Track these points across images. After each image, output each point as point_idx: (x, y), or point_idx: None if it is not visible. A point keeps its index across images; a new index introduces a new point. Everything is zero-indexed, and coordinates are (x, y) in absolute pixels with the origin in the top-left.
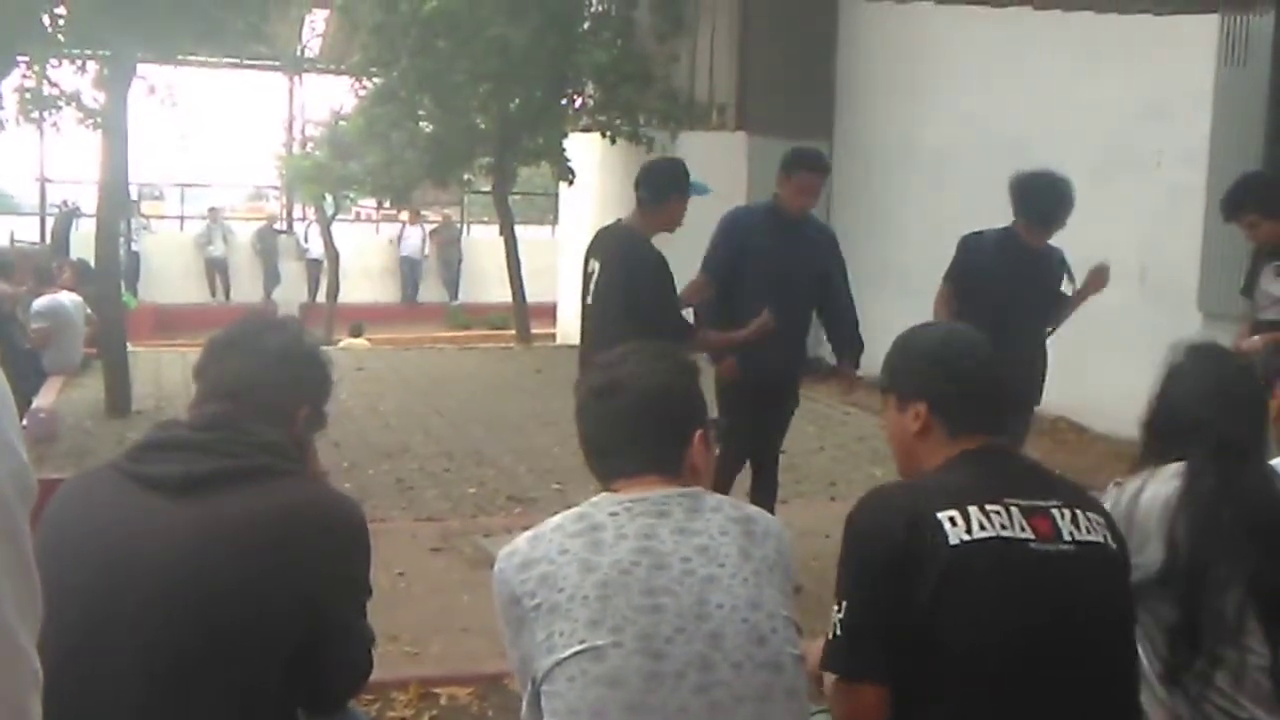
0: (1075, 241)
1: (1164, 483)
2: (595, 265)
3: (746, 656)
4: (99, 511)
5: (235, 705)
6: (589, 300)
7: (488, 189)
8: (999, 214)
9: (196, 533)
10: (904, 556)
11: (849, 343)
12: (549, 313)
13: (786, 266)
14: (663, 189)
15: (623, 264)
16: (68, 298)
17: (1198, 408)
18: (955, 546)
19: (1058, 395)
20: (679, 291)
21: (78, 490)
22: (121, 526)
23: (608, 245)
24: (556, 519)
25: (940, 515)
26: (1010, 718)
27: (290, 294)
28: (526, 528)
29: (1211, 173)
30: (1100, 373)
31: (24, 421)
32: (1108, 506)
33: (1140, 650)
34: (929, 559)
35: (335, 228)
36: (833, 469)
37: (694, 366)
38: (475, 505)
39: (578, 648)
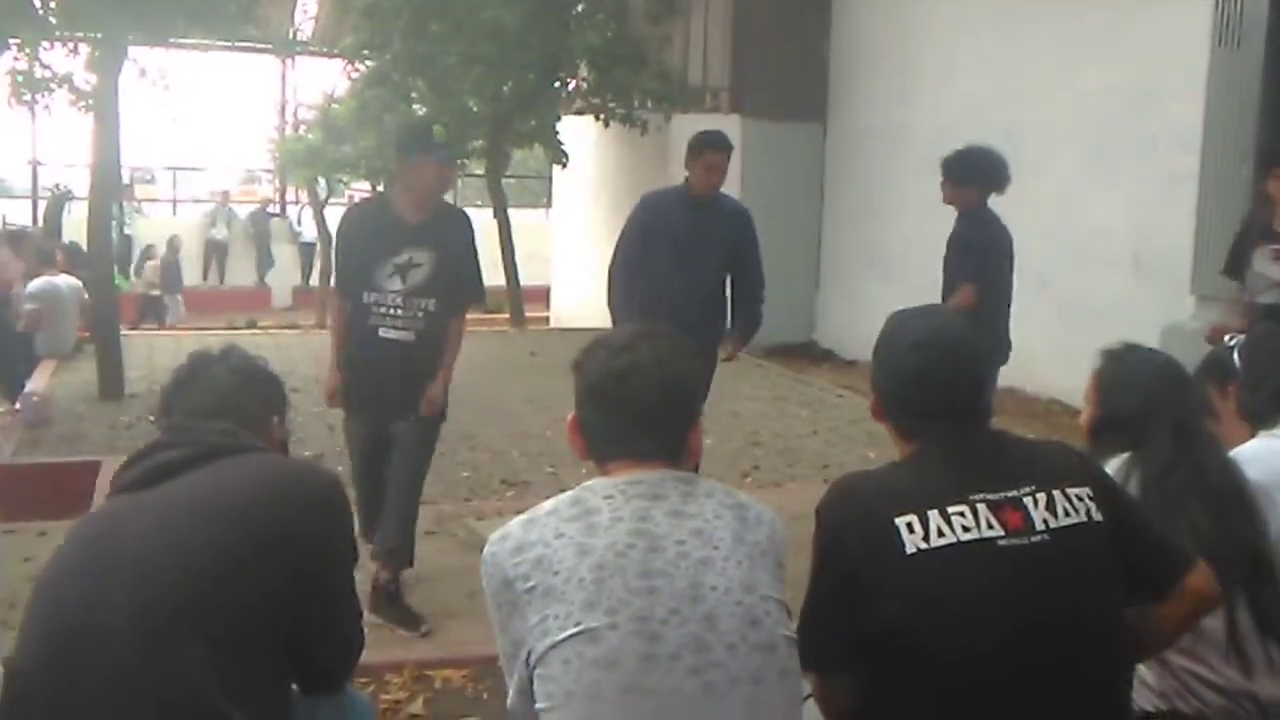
0: (1069, 224)
1: (1115, 470)
2: None
3: (741, 638)
4: (94, 522)
5: (225, 671)
6: None
7: (481, 172)
8: (991, 197)
9: (172, 512)
10: (857, 566)
11: (745, 313)
12: (542, 296)
13: (692, 241)
14: (401, 152)
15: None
16: (63, 280)
17: (1136, 402)
18: (910, 556)
19: (1051, 378)
20: None
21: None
22: (108, 522)
23: None
24: (550, 503)
25: (898, 521)
26: (987, 714)
27: (283, 278)
28: (519, 511)
29: (1205, 156)
30: (1094, 356)
31: (17, 405)
32: None
33: None
34: (883, 569)
35: (328, 211)
36: (826, 452)
37: (697, 349)
38: (469, 489)
39: (573, 630)
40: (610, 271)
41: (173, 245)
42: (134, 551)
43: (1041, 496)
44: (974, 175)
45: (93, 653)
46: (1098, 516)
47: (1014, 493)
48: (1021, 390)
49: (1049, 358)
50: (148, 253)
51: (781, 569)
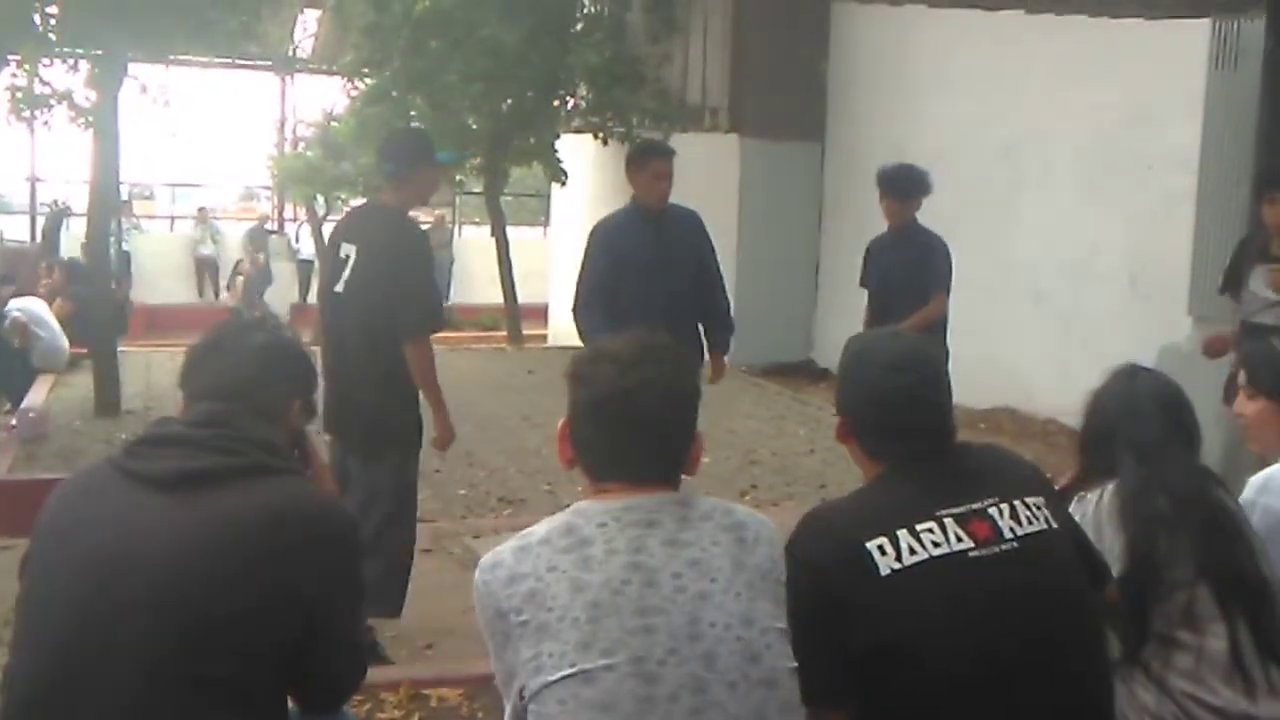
0: (1066, 244)
1: (1111, 497)
2: (351, 250)
3: (742, 675)
4: (92, 508)
5: (225, 699)
6: (339, 289)
7: (479, 190)
8: (990, 217)
9: (188, 529)
10: (838, 593)
11: (719, 328)
12: (540, 314)
13: (657, 259)
14: (412, 159)
15: (384, 250)
16: (29, 300)
17: (1114, 420)
18: (886, 577)
19: (1049, 397)
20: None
21: (73, 487)
22: (114, 522)
23: (367, 229)
24: (542, 530)
25: (870, 545)
26: None
27: (282, 294)
28: (516, 530)
29: (1202, 177)
30: (1091, 375)
31: (14, 421)
32: (1077, 519)
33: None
34: (863, 593)
35: (327, 228)
36: (824, 471)
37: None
38: (465, 506)
39: (568, 671)
40: (575, 308)
41: (255, 262)
42: (151, 576)
43: (1005, 507)
44: (919, 189)
45: (96, 685)
46: (1055, 524)
47: (978, 505)
48: (1018, 410)
49: (1046, 377)
50: (238, 268)
51: (781, 587)
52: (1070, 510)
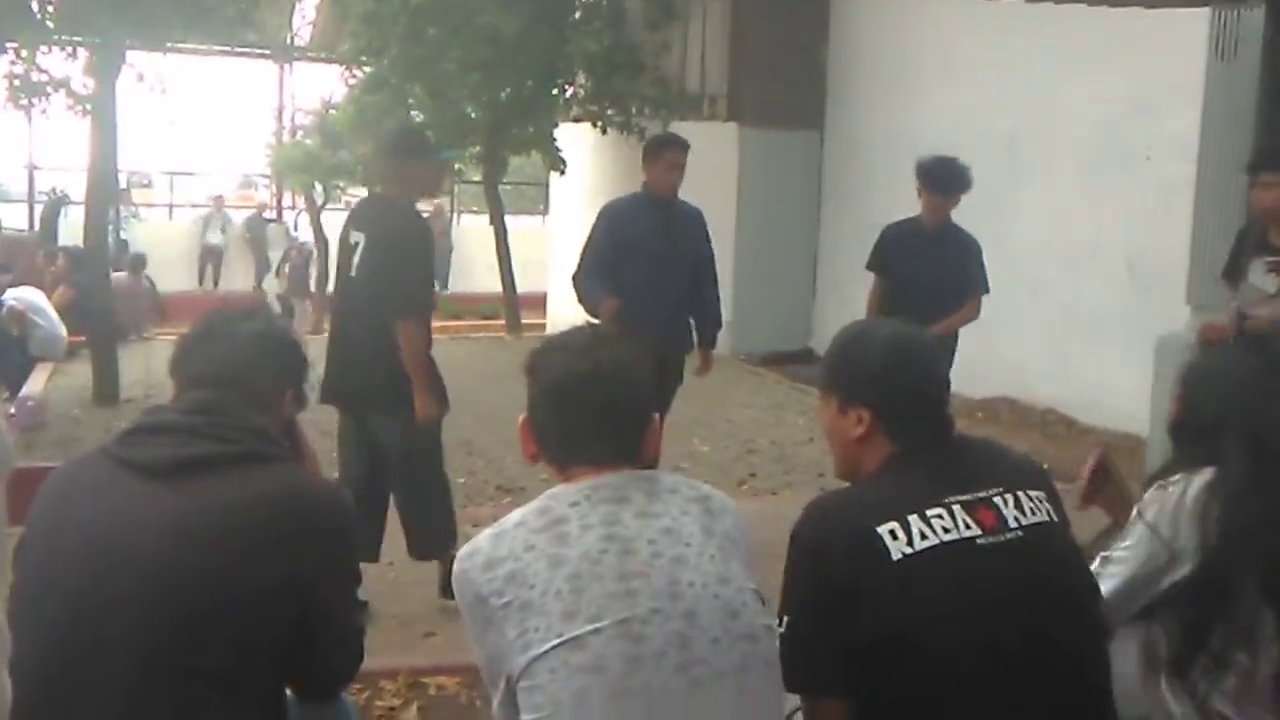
0: (1066, 234)
1: (1198, 493)
2: (359, 238)
3: (724, 630)
4: (86, 497)
5: (221, 690)
6: (353, 273)
7: (478, 178)
8: (988, 207)
9: (182, 517)
10: (846, 579)
11: (710, 322)
12: (539, 303)
13: (664, 247)
14: (397, 154)
15: (387, 238)
16: (29, 289)
17: (1224, 405)
18: (898, 561)
19: (1047, 387)
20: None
21: (66, 476)
22: (108, 512)
23: (373, 218)
24: (516, 515)
25: (880, 529)
26: (985, 716)
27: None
28: None
29: (1201, 167)
30: (1089, 365)
31: (13, 409)
32: (1152, 512)
33: (1150, 643)
34: (873, 578)
35: (325, 216)
36: (822, 460)
37: (653, 349)
38: (464, 495)
39: (556, 641)
40: (575, 276)
41: (302, 250)
42: (144, 569)
43: (1009, 497)
44: (961, 185)
45: (91, 679)
46: (1055, 518)
47: (984, 493)
48: (1017, 400)
49: (1045, 368)
50: (287, 256)
51: (749, 554)
52: (1147, 497)
